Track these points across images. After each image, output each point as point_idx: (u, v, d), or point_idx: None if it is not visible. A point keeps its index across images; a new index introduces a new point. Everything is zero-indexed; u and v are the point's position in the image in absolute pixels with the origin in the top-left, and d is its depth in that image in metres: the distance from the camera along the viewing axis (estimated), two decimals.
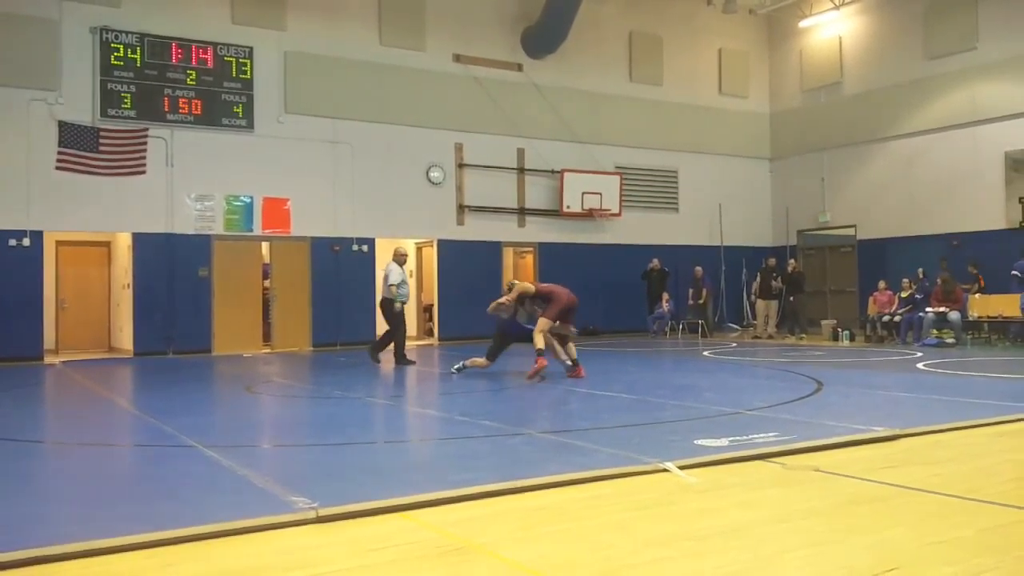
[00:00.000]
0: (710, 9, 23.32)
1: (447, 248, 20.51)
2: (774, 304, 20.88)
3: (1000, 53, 19.45)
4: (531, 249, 21.93)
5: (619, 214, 22.28)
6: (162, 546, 3.92)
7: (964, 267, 18.48)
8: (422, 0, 20.23)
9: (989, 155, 19.58)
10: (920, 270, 18.93)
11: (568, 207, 21.56)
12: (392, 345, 14.50)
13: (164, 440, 6.99)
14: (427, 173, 20.22)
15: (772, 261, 21.44)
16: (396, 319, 14.38)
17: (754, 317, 21.83)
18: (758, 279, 21.27)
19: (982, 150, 19.72)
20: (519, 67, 21.35)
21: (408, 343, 20.86)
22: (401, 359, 14.32)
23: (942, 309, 16.89)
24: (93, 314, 19.49)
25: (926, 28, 20.95)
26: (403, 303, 14.40)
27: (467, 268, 20.33)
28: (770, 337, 20.39)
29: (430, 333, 21.44)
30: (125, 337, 18.05)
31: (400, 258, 14.56)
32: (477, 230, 20.81)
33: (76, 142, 16.38)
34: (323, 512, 4.36)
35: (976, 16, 19.89)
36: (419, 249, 22.44)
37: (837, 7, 22.43)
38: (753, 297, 21.55)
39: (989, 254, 19.01)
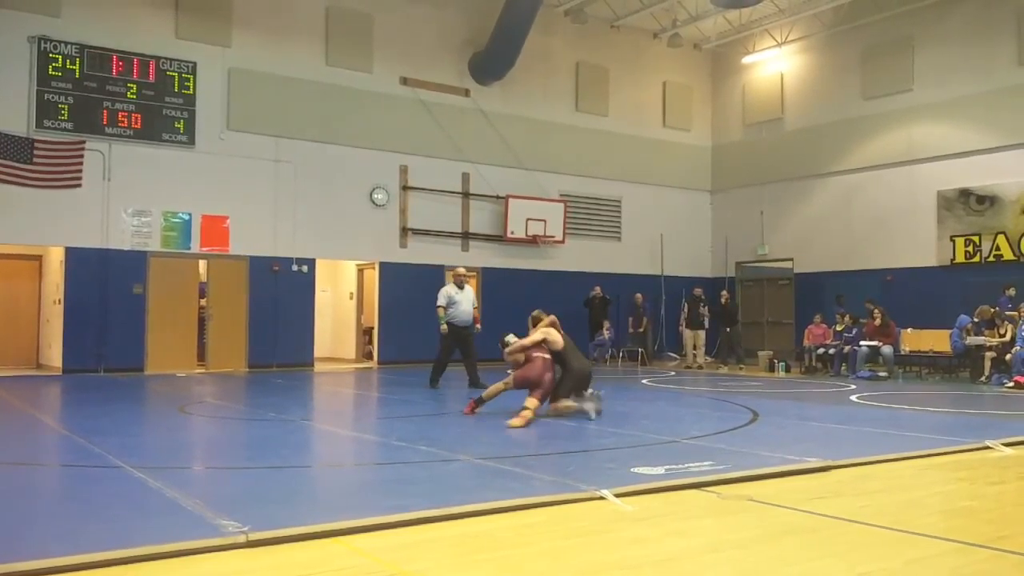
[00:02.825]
0: (656, 43, 23.70)
1: (389, 271, 20.40)
2: (702, 334, 21.17)
3: (934, 96, 20.04)
4: (474, 274, 21.87)
5: (563, 241, 22.41)
6: (84, 570, 3.80)
7: (863, 303, 18.89)
8: (370, 22, 20.22)
9: (923, 194, 20.12)
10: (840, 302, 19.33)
11: (512, 233, 21.62)
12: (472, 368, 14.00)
13: (90, 460, 6.81)
14: (371, 195, 20.13)
15: (698, 291, 21.69)
16: (441, 341, 13.92)
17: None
18: (686, 309, 21.56)
19: (916, 189, 20.26)
20: (466, 92, 21.43)
21: (345, 366, 20.74)
22: (433, 381, 13.91)
23: (876, 343, 17.23)
24: (21, 329, 18.97)
25: (864, 69, 21.52)
26: (452, 324, 13.70)
27: (409, 292, 20.23)
28: (700, 367, 20.61)
29: (369, 356, 21.28)
30: (54, 354, 17.60)
31: (457, 279, 14.02)
32: (420, 253, 20.74)
33: (10, 152, 16.01)
34: (253, 536, 4.28)
35: (912, 60, 20.49)
36: (360, 271, 22.31)
37: (779, 45, 22.95)
38: (681, 327, 21.77)
39: (920, 290, 19.52)
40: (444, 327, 13.74)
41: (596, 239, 23.42)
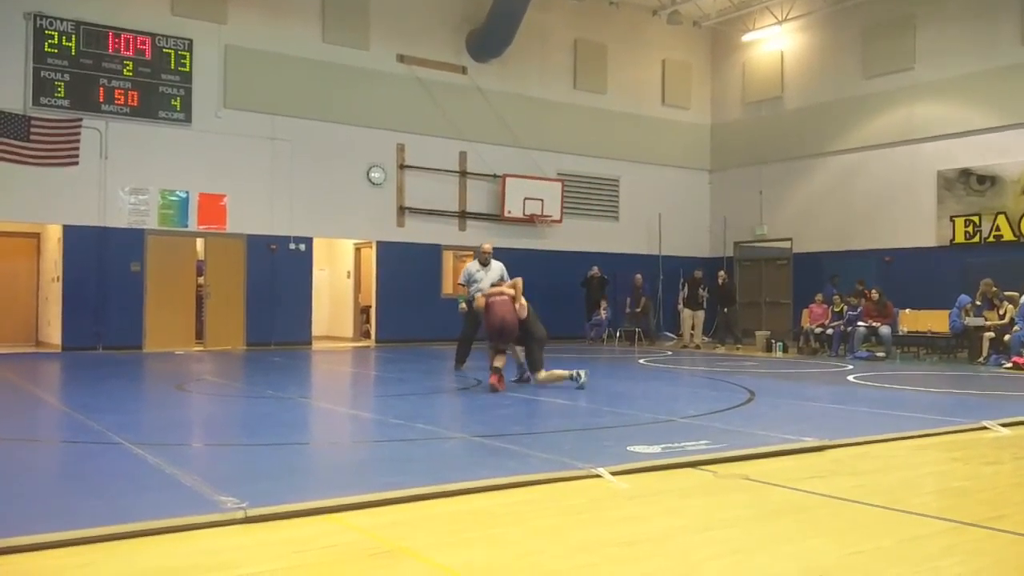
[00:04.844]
0: (655, 20, 23.55)
1: (386, 250, 20.39)
2: (700, 314, 21.06)
3: (936, 74, 19.96)
4: (471, 253, 21.85)
5: (560, 220, 22.38)
6: (83, 544, 3.81)
7: (853, 283, 19.01)
8: None
9: (923, 174, 20.08)
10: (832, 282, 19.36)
11: (509, 212, 21.60)
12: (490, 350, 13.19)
13: (90, 436, 6.83)
14: (367, 173, 20.08)
15: (699, 274, 21.52)
16: (463, 319, 13.20)
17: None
18: (685, 289, 21.42)
19: (916, 169, 20.21)
20: (463, 70, 21.34)
21: (342, 345, 20.76)
22: (458, 362, 13.27)
23: (873, 323, 17.22)
24: (20, 307, 18.99)
25: (865, 47, 21.42)
26: (468, 303, 12.80)
27: (406, 270, 20.25)
28: (697, 347, 20.57)
29: (367, 335, 21.30)
30: (53, 331, 17.62)
31: (481, 256, 13.17)
32: (417, 232, 20.72)
33: (6, 130, 15.94)
34: (251, 512, 4.29)
35: (914, 38, 20.39)
36: (358, 250, 22.29)
37: (780, 22, 22.82)
38: (680, 307, 21.61)
39: (920, 271, 19.51)
40: (462, 306, 13.03)
41: (593, 218, 23.40)
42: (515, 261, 20.98)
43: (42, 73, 16.57)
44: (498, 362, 10.33)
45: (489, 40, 20.99)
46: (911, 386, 11.74)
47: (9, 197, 16.28)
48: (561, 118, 22.74)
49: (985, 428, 7.61)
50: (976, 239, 19.08)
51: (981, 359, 15.67)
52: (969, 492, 5.35)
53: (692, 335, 21.04)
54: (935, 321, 17.34)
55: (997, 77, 18.90)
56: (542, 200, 21.94)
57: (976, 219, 19.09)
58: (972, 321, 16.18)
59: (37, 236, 19.10)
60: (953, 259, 19.23)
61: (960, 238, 19.35)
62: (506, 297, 10.55)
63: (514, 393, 10.11)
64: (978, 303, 16.34)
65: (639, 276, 22.08)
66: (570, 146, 22.90)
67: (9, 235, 18.70)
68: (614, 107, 23.58)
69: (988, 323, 15.92)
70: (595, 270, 21.62)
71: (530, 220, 21.88)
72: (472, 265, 13.33)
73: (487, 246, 13.46)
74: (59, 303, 17.13)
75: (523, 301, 10.54)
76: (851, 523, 4.48)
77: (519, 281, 10.82)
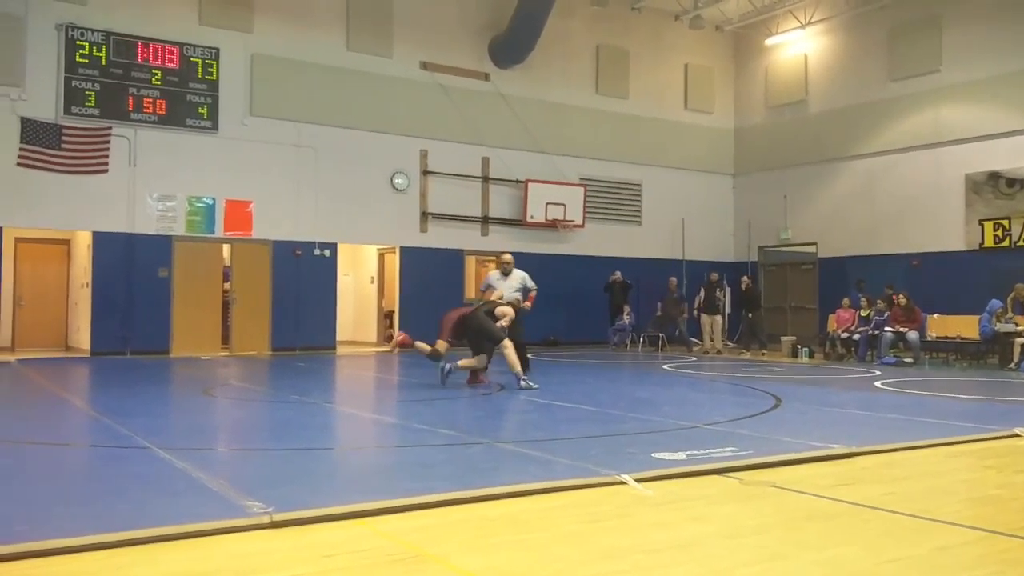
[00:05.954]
0: (677, 25, 23.50)
1: (410, 255, 20.44)
2: (719, 319, 20.72)
3: (963, 76, 19.76)
4: (494, 258, 21.86)
5: (582, 225, 22.35)
6: (112, 548, 3.85)
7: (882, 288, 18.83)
8: (390, 6, 20.19)
9: (950, 177, 19.86)
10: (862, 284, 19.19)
11: (532, 217, 21.59)
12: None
13: (118, 441, 6.88)
14: (391, 179, 20.15)
15: (715, 276, 21.15)
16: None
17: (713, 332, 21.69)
18: (702, 294, 21.04)
19: (944, 172, 20.01)
20: (486, 76, 21.37)
21: (366, 350, 20.81)
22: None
23: (901, 328, 17.05)
24: (50, 312, 19.20)
25: (890, 50, 21.26)
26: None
27: (430, 275, 20.28)
28: (719, 352, 20.28)
29: (390, 339, 21.31)
30: (83, 336, 17.79)
31: (501, 266, 13.15)
32: (440, 238, 20.77)
33: (38, 139, 16.15)
34: (277, 517, 4.31)
35: (940, 40, 20.20)
36: (381, 255, 22.36)
37: (803, 26, 22.69)
38: (696, 312, 21.21)
39: (948, 275, 19.29)
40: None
41: (616, 223, 23.34)
42: (537, 266, 20.91)
43: (73, 83, 16.75)
44: (463, 363, 11.27)
45: (512, 46, 21.02)
46: (940, 392, 11.62)
47: (41, 205, 16.47)
48: (583, 123, 22.72)
49: (1017, 436, 7.51)
50: (1006, 243, 18.85)
51: (1012, 365, 15.48)
52: (1002, 500, 5.28)
53: (712, 340, 20.72)
54: (964, 326, 17.13)
55: None
56: (564, 205, 21.92)
57: (1006, 222, 18.87)
58: (1003, 326, 15.98)
59: (67, 243, 19.31)
60: (982, 263, 19.01)
61: (989, 242, 19.13)
62: (465, 311, 11.76)
63: (537, 399, 10.11)
64: (1010, 312, 16.13)
65: (673, 279, 21.84)
66: (593, 151, 22.88)
67: (40, 242, 18.93)
68: (637, 112, 23.53)
69: (1020, 328, 15.73)
70: (616, 275, 21.51)
71: (552, 225, 21.86)
72: (493, 274, 13.51)
73: (507, 256, 13.45)
74: (88, 308, 17.29)
75: (510, 315, 11.55)
76: (881, 531, 4.44)
77: (508, 310, 11.66)
